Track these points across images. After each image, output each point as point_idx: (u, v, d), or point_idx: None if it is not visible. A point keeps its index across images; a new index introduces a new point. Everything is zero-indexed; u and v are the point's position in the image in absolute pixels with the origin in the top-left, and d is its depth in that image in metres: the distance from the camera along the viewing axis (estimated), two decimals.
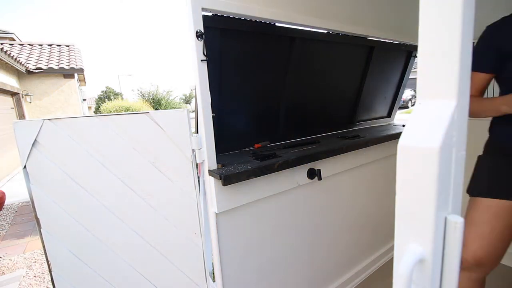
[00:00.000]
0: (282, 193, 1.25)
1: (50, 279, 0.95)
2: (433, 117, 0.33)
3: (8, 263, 2.34)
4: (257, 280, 1.23)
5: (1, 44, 6.10)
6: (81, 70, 8.00)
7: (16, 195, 4.20)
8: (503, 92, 1.02)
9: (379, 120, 2.20)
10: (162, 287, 1.12)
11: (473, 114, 1.00)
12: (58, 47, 8.89)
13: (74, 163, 0.95)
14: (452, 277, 0.33)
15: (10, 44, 8.38)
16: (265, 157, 1.14)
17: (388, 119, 2.29)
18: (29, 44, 8.63)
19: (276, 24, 1.27)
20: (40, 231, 0.94)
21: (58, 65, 7.63)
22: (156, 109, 13.81)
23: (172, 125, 1.04)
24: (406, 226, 0.34)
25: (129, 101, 13.11)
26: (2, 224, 3.20)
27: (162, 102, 15.30)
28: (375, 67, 1.82)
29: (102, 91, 23.98)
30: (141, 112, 1.01)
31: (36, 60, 7.66)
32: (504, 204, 0.96)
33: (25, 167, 0.90)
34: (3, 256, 2.47)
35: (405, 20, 1.81)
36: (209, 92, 1.01)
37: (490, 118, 1.07)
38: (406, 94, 15.37)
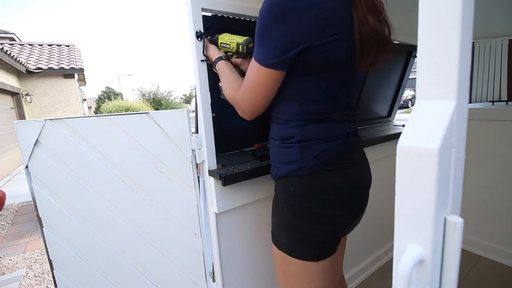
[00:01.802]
0: None
1: (50, 279, 0.96)
2: (433, 117, 0.33)
3: (8, 263, 2.34)
4: (257, 280, 1.23)
5: (1, 44, 6.11)
6: (81, 70, 8.01)
7: (16, 195, 4.20)
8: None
9: (379, 120, 2.20)
10: (162, 286, 1.13)
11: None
12: (58, 47, 8.91)
13: (75, 163, 0.95)
14: (451, 278, 0.33)
15: (10, 44, 8.40)
16: (265, 157, 1.14)
17: (388, 119, 2.29)
18: (29, 44, 8.65)
19: None
20: (42, 230, 0.95)
21: (58, 65, 7.64)
22: (157, 109, 13.83)
23: (172, 125, 1.04)
24: (406, 227, 0.34)
25: (129, 101, 13.14)
26: (2, 224, 3.20)
27: (163, 102, 15.32)
28: (375, 67, 1.82)
29: (102, 91, 24.04)
30: (141, 112, 1.01)
31: (36, 60, 7.67)
32: None
33: (27, 166, 0.91)
34: (3, 256, 2.47)
35: (405, 20, 1.81)
36: (209, 92, 1.01)
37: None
38: (406, 94, 15.36)
